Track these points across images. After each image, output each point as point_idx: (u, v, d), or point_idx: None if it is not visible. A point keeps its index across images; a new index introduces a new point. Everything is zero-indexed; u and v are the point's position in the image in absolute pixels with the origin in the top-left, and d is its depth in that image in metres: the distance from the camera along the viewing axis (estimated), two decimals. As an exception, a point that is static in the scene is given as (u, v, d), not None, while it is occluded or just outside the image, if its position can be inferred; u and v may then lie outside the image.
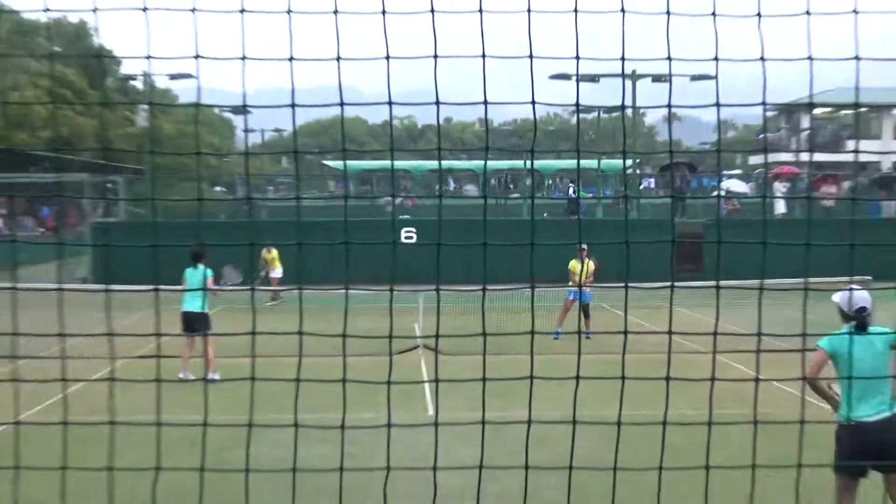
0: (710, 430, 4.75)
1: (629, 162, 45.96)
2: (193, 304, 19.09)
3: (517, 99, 4.94)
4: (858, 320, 8.94)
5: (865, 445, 8.20)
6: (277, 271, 33.43)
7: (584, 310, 24.57)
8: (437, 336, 5.40)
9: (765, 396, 4.86)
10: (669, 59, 4.70)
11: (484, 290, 4.83)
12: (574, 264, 26.34)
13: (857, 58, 4.63)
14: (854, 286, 9.24)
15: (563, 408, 4.66)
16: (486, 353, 4.73)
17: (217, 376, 18.01)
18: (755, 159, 65.36)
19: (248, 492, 4.61)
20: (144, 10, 4.50)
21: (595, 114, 67.46)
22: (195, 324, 18.94)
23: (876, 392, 8.52)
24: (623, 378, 4.64)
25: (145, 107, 43.96)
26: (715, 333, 4.96)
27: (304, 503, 4.81)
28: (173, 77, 45.65)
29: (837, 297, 9.32)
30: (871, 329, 8.94)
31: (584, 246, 25.97)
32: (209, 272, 20.09)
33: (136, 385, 5.37)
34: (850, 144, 66.76)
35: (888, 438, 8.17)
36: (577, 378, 4.75)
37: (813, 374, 8.74)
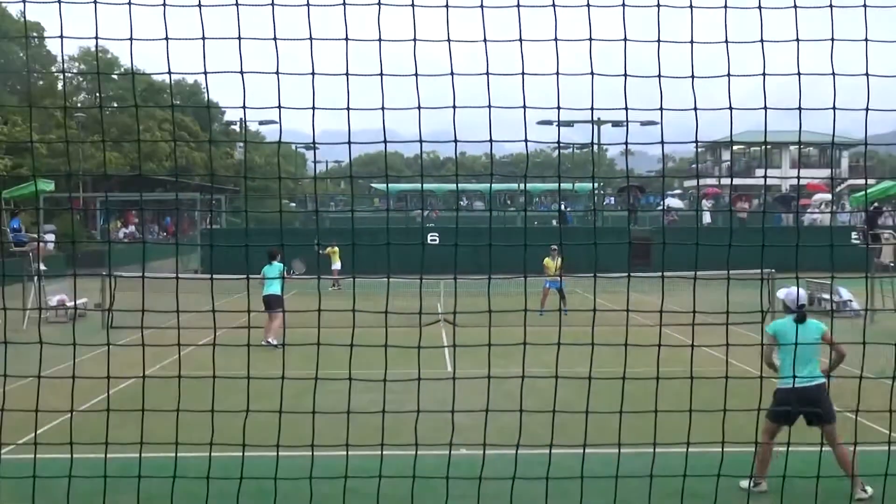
0: (657, 384, 4.73)
1: (595, 185, 46.20)
2: (271, 289, 19.49)
3: (514, 138, 4.94)
4: (799, 314, 9.17)
5: (797, 402, 8.46)
6: (337, 264, 33.97)
7: (560, 293, 24.64)
8: (454, 313, 5.39)
9: (697, 358, 4.84)
10: (626, 108, 4.66)
11: (489, 278, 4.82)
12: (548, 261, 26.38)
13: (765, 108, 4.60)
14: (796, 288, 9.27)
15: (547, 366, 4.63)
16: (491, 326, 4.70)
17: (279, 342, 18.14)
18: (689, 183, 65.64)
19: (315, 429, 4.58)
20: (241, 73, 4.49)
21: (570, 149, 67.64)
22: (273, 304, 19.15)
23: (808, 364, 8.76)
24: (592, 344, 4.63)
25: (241, 144, 44.14)
26: (661, 311, 4.95)
27: (354, 438, 4.77)
28: (262, 123, 46.23)
29: (783, 294, 9.57)
30: (808, 321, 9.18)
31: (555, 246, 26.01)
32: (282, 266, 20.28)
33: (231, 348, 5.35)
34: (759, 171, 67.23)
35: (814, 397, 8.53)
36: (559, 345, 4.73)
37: (767, 351, 9.12)
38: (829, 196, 50.21)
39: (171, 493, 4.94)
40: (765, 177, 38.18)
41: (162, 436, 4.79)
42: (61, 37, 4.55)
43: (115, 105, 54.38)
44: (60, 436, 5.07)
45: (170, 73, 4.66)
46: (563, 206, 54.48)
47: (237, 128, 43.44)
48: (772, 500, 7.49)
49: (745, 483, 8.52)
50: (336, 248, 34.11)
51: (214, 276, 5.96)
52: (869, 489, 8.21)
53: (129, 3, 4.37)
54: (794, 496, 5.81)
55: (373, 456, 5.07)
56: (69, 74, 56.48)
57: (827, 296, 26.76)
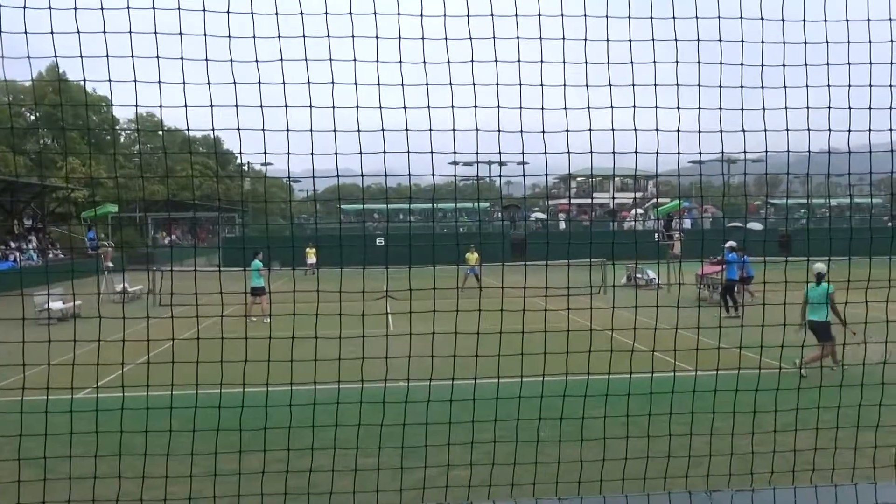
0: (545, 338, 4.74)
1: (486, 204, 46.79)
2: (254, 282, 19.35)
3: (428, 174, 4.96)
4: (817, 279, 11.90)
5: (811, 329, 11.77)
6: (312, 259, 34.56)
7: (476, 277, 24.92)
8: (386, 291, 5.33)
9: (551, 317, 4.89)
10: (500, 152, 4.69)
11: (409, 268, 4.77)
12: (468, 255, 26.65)
13: (591, 152, 4.68)
14: (819, 266, 11.98)
15: (453, 325, 4.60)
16: (412, 299, 4.65)
17: (267, 319, 17.85)
18: (551, 202, 66.80)
19: (293, 372, 4.50)
20: (236, 130, 4.38)
21: (470, 181, 67.69)
22: (258, 292, 19.12)
23: (817, 310, 11.79)
24: (496, 310, 4.64)
25: (248, 179, 43.58)
26: (524, 287, 4.95)
27: (322, 376, 4.69)
28: (262, 164, 45.75)
29: (815, 267, 11.95)
30: (822, 284, 11.89)
31: (473, 245, 26.32)
32: (260, 263, 20.10)
33: (237, 319, 5.22)
34: (596, 194, 68.32)
35: (818, 327, 11.81)
36: (479, 311, 4.72)
37: (802, 304, 11.94)
38: (640, 210, 51.32)
39: (194, 419, 4.81)
40: (591, 197, 38.77)
41: (187, 379, 4.65)
42: (111, 104, 4.45)
43: (159, 152, 53.10)
44: (117, 382, 4.92)
45: (189, 129, 4.52)
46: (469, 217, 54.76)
47: (245, 167, 43.00)
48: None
49: (800, 366, 10.92)
50: (312, 249, 35.11)
51: (223, 268, 5.82)
52: (804, 372, 10.94)
53: (160, 82, 4.24)
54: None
55: (331, 389, 4.99)
56: (128, 131, 55.04)
57: (640, 275, 27.35)
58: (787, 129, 4.70)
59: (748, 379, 5.52)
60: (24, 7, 4.13)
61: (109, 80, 4.30)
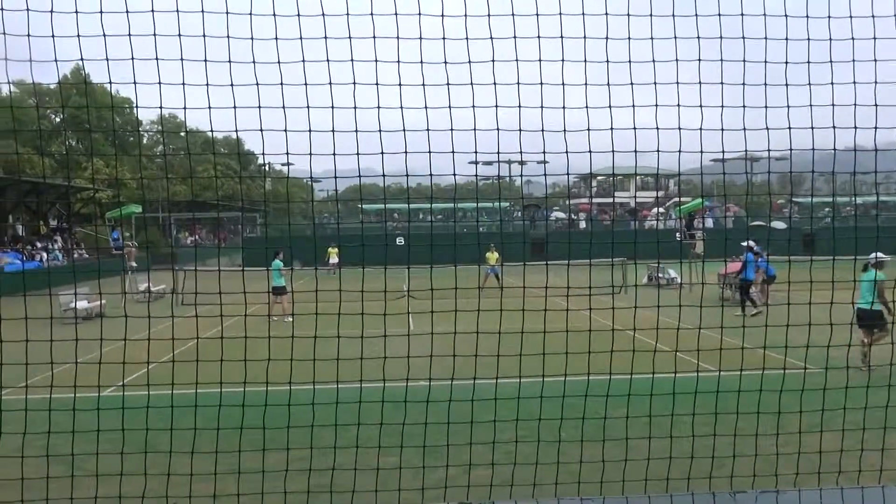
0: (544, 337, 4.73)
1: (506, 204, 46.80)
2: (275, 282, 19.28)
3: (449, 173, 4.98)
4: (864, 267, 11.87)
5: (859, 317, 11.42)
6: (335, 259, 34.58)
7: (497, 276, 24.87)
8: (408, 290, 5.35)
9: (572, 316, 4.87)
10: (521, 151, 4.69)
11: (431, 267, 4.79)
12: (489, 254, 26.61)
13: (612, 151, 4.67)
14: (874, 255, 12.05)
15: (474, 324, 4.60)
16: (433, 298, 4.66)
17: (289, 318, 17.89)
18: (573, 201, 66.68)
19: (315, 371, 4.53)
20: (258, 131, 4.42)
21: (490, 180, 67.40)
22: (279, 292, 19.04)
23: (866, 296, 11.64)
24: (524, 311, 4.64)
25: (269, 180, 43.84)
26: (546, 287, 4.95)
27: (345, 375, 4.72)
28: (283, 164, 46.01)
29: (874, 256, 12.03)
30: (870, 271, 11.82)
31: (493, 244, 26.30)
32: (280, 263, 20.17)
33: (260, 318, 5.26)
34: (618, 193, 67.91)
35: (866, 314, 11.46)
36: (500, 311, 4.72)
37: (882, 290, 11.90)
38: (661, 209, 50.93)
39: (218, 418, 4.85)
40: (612, 197, 38.56)
41: (211, 377, 4.70)
42: (135, 106, 4.50)
43: (182, 153, 53.59)
44: (142, 380, 4.99)
45: (212, 130, 4.57)
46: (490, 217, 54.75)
47: (266, 167, 43.20)
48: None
49: (866, 365, 11.16)
50: (335, 249, 35.26)
51: (246, 268, 5.87)
52: (863, 368, 10.98)
53: (183, 84, 4.29)
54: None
55: (354, 388, 5.02)
56: (151, 132, 55.64)
57: (661, 274, 27.15)
58: (812, 127, 4.65)
59: (772, 379, 5.47)
60: (52, 11, 4.20)
61: (135, 83, 4.37)
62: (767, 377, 5.09)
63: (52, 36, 4.22)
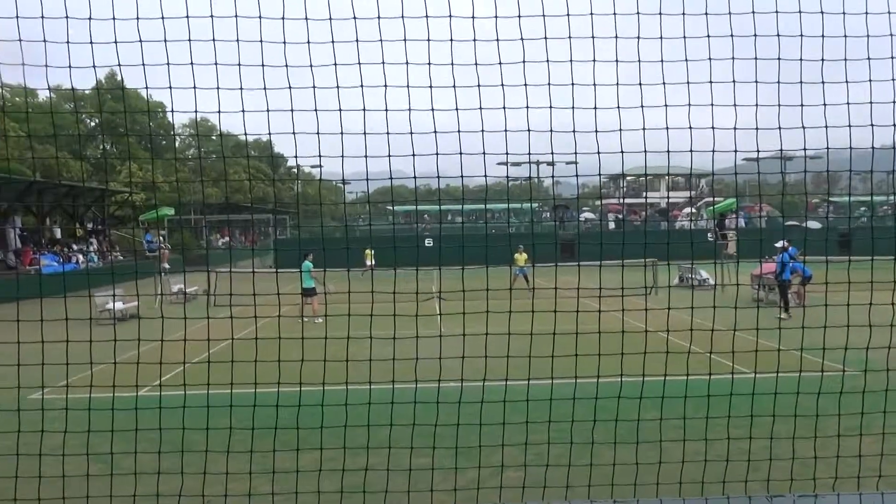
0: (576, 338, 4.71)
1: (535, 205, 46.81)
2: (306, 283, 19.25)
3: (479, 174, 4.98)
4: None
5: None
6: (370, 261, 34.91)
7: (525, 278, 24.83)
8: (439, 291, 5.36)
9: (604, 318, 4.85)
10: (552, 153, 4.68)
11: (462, 269, 4.79)
12: (517, 256, 26.56)
13: (644, 151, 4.63)
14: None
15: (505, 326, 4.59)
16: (465, 300, 4.67)
17: (320, 319, 17.97)
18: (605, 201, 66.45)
19: (348, 372, 4.56)
20: (293, 133, 4.47)
21: (518, 181, 67.40)
22: (309, 293, 19.10)
23: None
24: (556, 312, 4.63)
25: (299, 182, 44.27)
26: (578, 287, 4.93)
27: (377, 376, 4.74)
28: (313, 167, 46.40)
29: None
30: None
31: (521, 245, 26.21)
32: (311, 264, 20.06)
33: (291, 319, 5.31)
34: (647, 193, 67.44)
35: None
36: (532, 312, 4.72)
37: None
38: (692, 209, 50.39)
39: (252, 418, 4.91)
40: (645, 197, 38.22)
41: (245, 378, 4.75)
42: (169, 111, 4.60)
43: (214, 156, 54.32)
44: (178, 380, 5.07)
45: (246, 133, 4.63)
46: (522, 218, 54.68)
47: (295, 169, 43.60)
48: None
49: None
50: (370, 251, 35.58)
51: (280, 269, 5.93)
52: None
53: (217, 88, 4.36)
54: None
55: (386, 389, 5.04)
56: (183, 135, 56.53)
57: (693, 275, 26.82)
58: (850, 126, 4.57)
59: (809, 382, 5.38)
60: (90, 18, 4.30)
61: (170, 88, 4.44)
62: (804, 379, 5.01)
63: (91, 42, 4.31)
